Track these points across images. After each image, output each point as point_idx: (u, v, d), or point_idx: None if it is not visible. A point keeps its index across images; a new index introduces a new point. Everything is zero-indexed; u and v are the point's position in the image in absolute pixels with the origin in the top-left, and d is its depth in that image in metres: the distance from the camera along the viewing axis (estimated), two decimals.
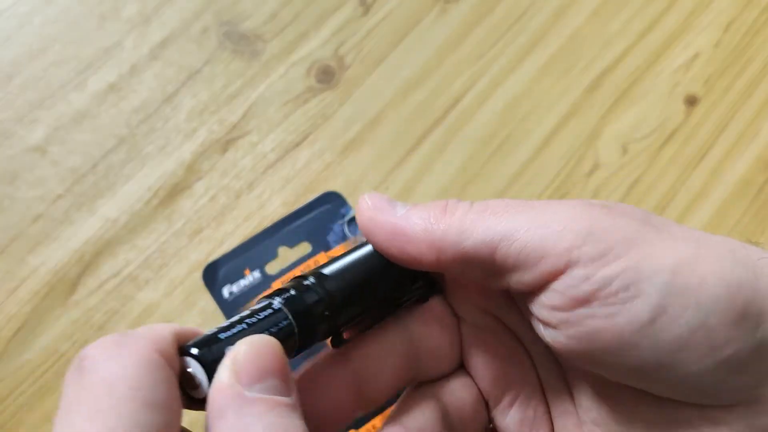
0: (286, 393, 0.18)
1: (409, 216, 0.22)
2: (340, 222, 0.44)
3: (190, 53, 0.49)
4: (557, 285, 0.20)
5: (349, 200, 0.46)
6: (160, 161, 0.47)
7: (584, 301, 0.19)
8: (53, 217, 0.45)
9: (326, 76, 0.49)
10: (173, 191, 0.46)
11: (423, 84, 0.50)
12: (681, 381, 0.19)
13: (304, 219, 0.44)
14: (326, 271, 0.22)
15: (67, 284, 0.44)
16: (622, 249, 0.19)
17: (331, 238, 0.44)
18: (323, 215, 0.44)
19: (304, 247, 0.44)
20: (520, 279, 0.20)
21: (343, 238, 0.44)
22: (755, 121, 0.50)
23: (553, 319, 0.20)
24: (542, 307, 0.20)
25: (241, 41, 0.50)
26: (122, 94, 0.48)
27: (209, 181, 0.46)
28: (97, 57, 0.49)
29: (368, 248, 0.23)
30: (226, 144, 0.47)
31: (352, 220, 0.44)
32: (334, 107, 0.49)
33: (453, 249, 0.21)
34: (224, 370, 0.18)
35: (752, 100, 0.50)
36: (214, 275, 0.43)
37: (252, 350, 0.18)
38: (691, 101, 0.50)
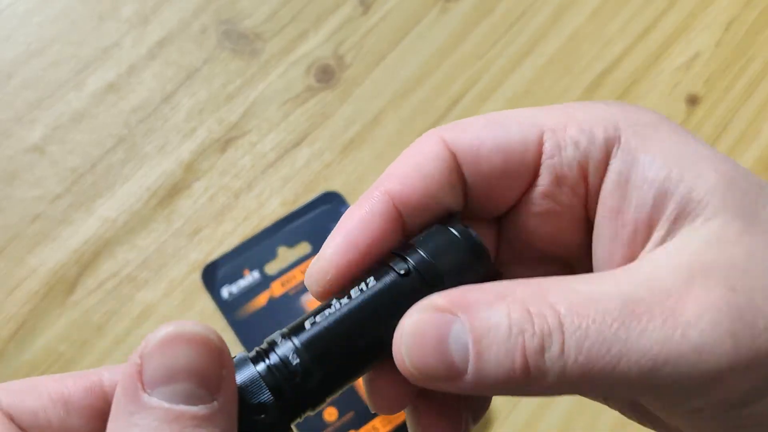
0: (205, 399, 0.15)
1: (486, 371, 0.17)
2: None
3: (189, 53, 0.49)
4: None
5: (349, 200, 0.46)
6: (159, 161, 0.47)
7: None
8: (52, 217, 0.45)
9: (326, 75, 0.49)
10: (172, 191, 0.46)
11: (423, 83, 0.49)
12: None
13: (304, 219, 0.44)
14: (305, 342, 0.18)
15: (66, 284, 0.44)
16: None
17: None
18: (323, 215, 0.44)
19: (304, 247, 0.44)
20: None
21: None
22: (756, 120, 0.50)
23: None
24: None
25: (240, 40, 0.50)
26: (121, 94, 0.48)
27: (208, 180, 0.46)
28: (95, 57, 0.49)
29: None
30: (225, 144, 0.47)
31: None
32: (334, 107, 0.49)
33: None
34: (131, 362, 0.15)
35: (753, 100, 0.50)
36: (213, 275, 0.43)
37: (163, 341, 0.15)
38: (692, 101, 0.50)
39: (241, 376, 0.17)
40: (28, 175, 0.46)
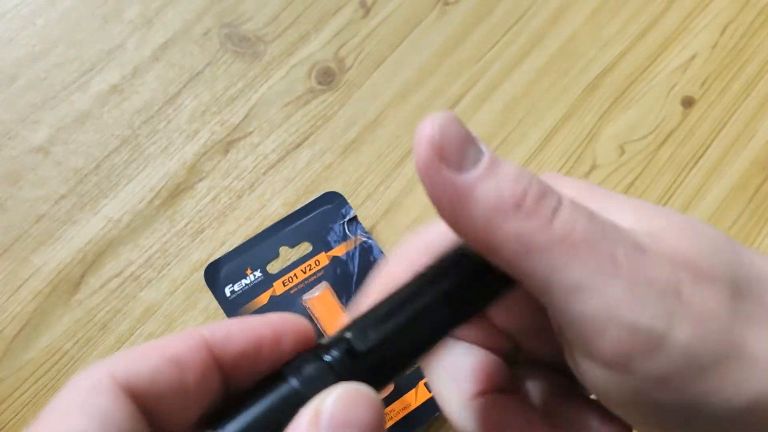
0: None
1: (483, 184, 0.17)
2: (340, 222, 0.45)
3: (191, 55, 0.50)
4: (603, 371, 0.18)
5: (350, 200, 0.46)
6: (163, 162, 0.47)
7: (628, 400, 0.18)
8: (56, 217, 0.45)
9: (327, 77, 0.50)
10: (175, 191, 0.46)
11: (422, 85, 0.50)
12: None
13: (305, 219, 0.45)
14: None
15: (69, 284, 0.44)
16: (689, 377, 0.17)
17: (331, 237, 0.44)
18: (324, 215, 0.45)
19: (305, 247, 0.44)
20: (570, 343, 0.18)
21: (344, 237, 0.44)
22: (752, 122, 0.50)
23: (587, 382, 0.18)
24: (581, 368, 0.18)
25: (242, 43, 0.50)
26: (124, 95, 0.48)
27: (211, 181, 0.47)
28: (99, 58, 0.49)
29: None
30: (227, 145, 0.48)
31: (353, 219, 0.45)
32: (335, 108, 0.49)
33: (514, 258, 0.17)
34: (306, 412, 0.16)
35: (749, 102, 0.51)
36: (215, 275, 0.43)
37: (343, 398, 0.16)
38: (688, 102, 0.50)
39: (310, 369, 0.18)
40: (32, 175, 0.46)
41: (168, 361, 0.17)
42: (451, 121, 0.17)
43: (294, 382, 0.17)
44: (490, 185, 0.17)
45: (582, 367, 0.18)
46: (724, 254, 0.18)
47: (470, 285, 0.19)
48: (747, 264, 0.19)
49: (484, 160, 0.17)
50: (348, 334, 0.18)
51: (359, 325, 0.19)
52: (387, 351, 0.18)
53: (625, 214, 0.19)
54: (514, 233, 0.17)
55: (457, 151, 0.17)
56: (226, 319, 0.18)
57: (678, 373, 0.17)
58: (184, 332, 0.18)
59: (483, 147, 0.18)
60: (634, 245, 0.17)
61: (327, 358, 0.18)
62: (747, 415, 0.17)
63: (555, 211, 0.17)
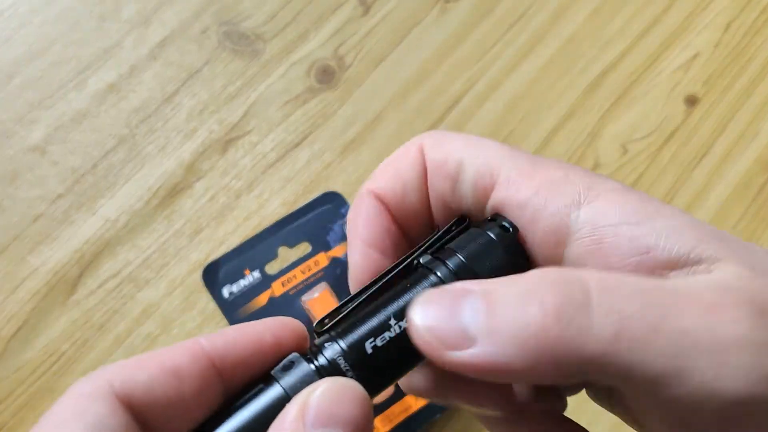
0: None
1: (497, 344, 0.16)
2: (340, 222, 0.44)
3: (189, 53, 0.49)
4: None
5: (349, 200, 0.46)
6: (160, 161, 0.47)
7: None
8: (53, 217, 0.45)
9: (326, 76, 0.50)
10: (173, 191, 0.46)
11: (423, 84, 0.50)
12: None
13: (304, 219, 0.44)
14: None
15: (67, 284, 0.44)
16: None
17: (330, 237, 0.44)
18: (323, 215, 0.44)
19: (304, 247, 0.44)
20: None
21: (343, 237, 0.44)
22: (755, 121, 0.50)
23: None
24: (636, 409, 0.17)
25: (240, 41, 0.50)
26: (122, 94, 0.48)
27: (209, 181, 0.46)
28: (96, 57, 0.49)
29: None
30: (225, 144, 0.47)
31: None
32: (334, 107, 0.49)
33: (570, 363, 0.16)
34: (294, 404, 0.17)
35: (752, 100, 0.50)
36: (214, 275, 0.43)
37: (329, 392, 0.17)
38: (691, 101, 0.50)
39: (298, 373, 0.18)
40: (29, 175, 0.46)
41: (166, 371, 0.17)
42: (432, 312, 0.17)
43: (281, 386, 0.18)
44: (509, 327, 0.16)
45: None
46: None
47: None
48: None
49: (480, 318, 0.16)
50: (337, 345, 0.18)
51: (349, 336, 0.19)
52: (374, 363, 0.18)
53: (683, 236, 0.18)
54: (565, 348, 0.15)
55: (453, 328, 0.16)
56: (226, 327, 0.19)
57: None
58: (184, 343, 0.18)
59: (478, 305, 0.16)
60: (704, 306, 0.16)
61: (314, 363, 0.18)
62: None
63: (586, 311, 0.15)
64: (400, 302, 0.19)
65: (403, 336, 0.18)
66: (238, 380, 0.18)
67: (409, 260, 0.21)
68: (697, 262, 0.17)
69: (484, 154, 0.20)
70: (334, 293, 0.42)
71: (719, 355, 0.15)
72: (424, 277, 0.19)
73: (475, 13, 0.52)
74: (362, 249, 0.21)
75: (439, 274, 0.19)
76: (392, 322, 0.19)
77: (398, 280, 0.20)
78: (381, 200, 0.22)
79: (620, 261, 0.18)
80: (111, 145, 0.47)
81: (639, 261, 0.17)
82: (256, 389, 0.18)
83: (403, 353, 0.19)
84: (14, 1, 0.50)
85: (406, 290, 0.19)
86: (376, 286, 0.20)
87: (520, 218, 0.19)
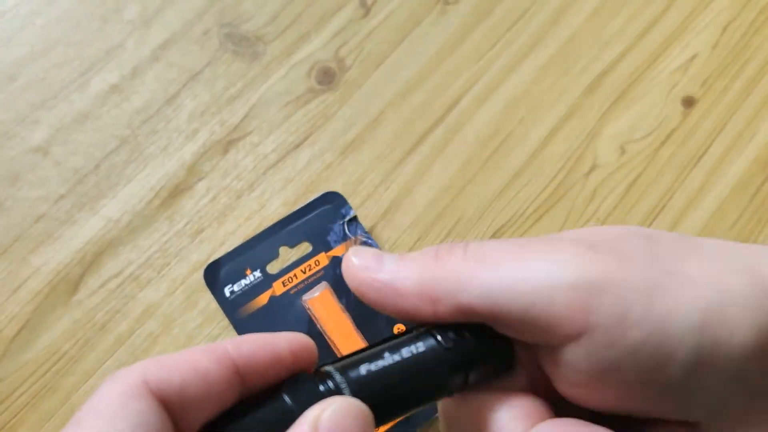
0: None
1: (399, 270, 0.20)
2: (340, 222, 0.45)
3: (191, 54, 0.50)
4: (575, 349, 0.18)
5: (350, 200, 0.46)
6: (162, 162, 0.47)
7: (608, 368, 0.18)
8: (55, 218, 0.45)
9: (327, 77, 0.50)
10: (175, 192, 0.46)
11: (423, 85, 0.50)
12: (702, 416, 0.19)
13: (305, 219, 0.44)
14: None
15: (69, 284, 0.44)
16: (643, 309, 0.18)
17: (331, 237, 0.44)
18: (323, 215, 0.45)
19: (305, 247, 0.44)
20: (531, 338, 0.19)
21: (344, 238, 0.44)
22: (753, 121, 0.50)
23: (574, 378, 0.19)
24: (560, 364, 0.19)
25: (242, 43, 0.50)
26: (124, 95, 0.48)
27: (210, 181, 0.47)
28: (98, 58, 0.49)
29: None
30: (227, 145, 0.48)
31: (353, 219, 0.45)
32: (335, 108, 0.49)
33: (449, 302, 0.20)
34: (305, 425, 0.17)
35: (750, 101, 0.51)
36: (215, 275, 0.43)
37: (337, 413, 0.17)
38: (689, 102, 0.50)
39: (305, 393, 0.19)
40: (31, 175, 0.46)
41: (198, 373, 0.18)
42: (362, 249, 0.22)
43: (288, 401, 0.18)
44: (407, 263, 0.21)
45: (554, 363, 0.19)
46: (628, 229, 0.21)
47: (474, 350, 0.21)
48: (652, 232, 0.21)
49: (394, 257, 0.21)
50: (346, 376, 0.19)
51: (359, 376, 0.19)
52: (373, 390, 0.19)
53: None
54: (443, 275, 0.20)
55: (374, 260, 0.21)
56: (248, 335, 0.20)
57: (629, 309, 0.18)
58: (211, 346, 0.19)
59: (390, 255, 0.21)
60: (546, 239, 0.20)
61: (322, 387, 0.19)
62: (701, 334, 0.18)
63: (465, 246, 0.20)
64: (397, 342, 0.20)
65: (399, 366, 0.20)
66: (254, 388, 0.19)
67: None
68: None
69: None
70: (334, 293, 0.43)
71: (555, 253, 0.20)
72: (422, 336, 0.21)
73: (474, 14, 0.52)
74: None
75: (439, 338, 0.20)
76: (386, 354, 0.20)
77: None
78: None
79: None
80: (113, 146, 0.47)
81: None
82: (265, 401, 0.19)
83: (401, 384, 0.20)
84: (16, 2, 0.50)
85: (404, 338, 0.21)
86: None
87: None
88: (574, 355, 0.19)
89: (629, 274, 0.18)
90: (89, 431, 0.16)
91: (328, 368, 0.19)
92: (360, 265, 0.21)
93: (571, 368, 0.19)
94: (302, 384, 0.19)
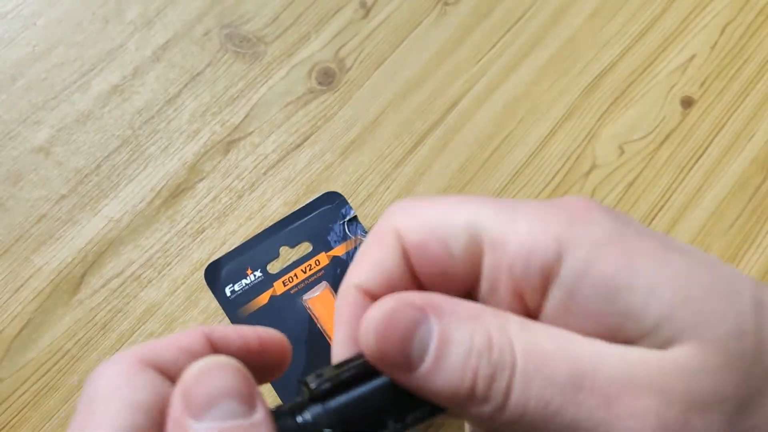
0: (246, 413, 0.17)
1: (433, 380, 0.18)
2: (340, 222, 0.45)
3: (192, 55, 0.50)
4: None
5: (350, 200, 0.46)
6: (163, 162, 0.47)
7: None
8: (57, 217, 0.46)
9: (327, 77, 0.50)
10: (176, 192, 0.46)
11: (422, 85, 0.50)
12: None
13: (305, 219, 0.45)
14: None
15: (70, 283, 0.44)
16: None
17: (331, 237, 0.44)
18: (324, 215, 0.45)
19: (305, 247, 0.44)
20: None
21: (344, 237, 0.44)
22: (751, 122, 0.50)
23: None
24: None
25: (242, 43, 0.51)
26: (125, 96, 0.49)
27: (211, 181, 0.47)
28: (100, 59, 0.49)
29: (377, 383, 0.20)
30: (228, 145, 0.48)
31: (353, 219, 0.45)
32: (335, 109, 0.49)
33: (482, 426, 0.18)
34: (176, 399, 0.17)
35: (748, 102, 0.51)
36: (216, 274, 0.43)
37: (200, 373, 0.17)
38: (688, 103, 0.51)
39: (280, 425, 0.18)
40: (33, 175, 0.46)
41: (184, 352, 0.19)
42: (387, 324, 0.18)
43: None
44: (439, 381, 0.18)
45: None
46: (739, 356, 0.17)
47: None
48: None
49: (429, 358, 0.18)
50: (323, 409, 0.19)
51: (335, 407, 0.19)
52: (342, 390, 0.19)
53: (656, 304, 0.18)
54: (474, 414, 0.18)
55: (400, 355, 0.18)
56: (223, 325, 0.21)
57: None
58: (191, 330, 0.19)
59: (430, 338, 0.18)
60: (604, 398, 0.17)
61: (299, 419, 0.19)
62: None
63: (507, 392, 0.17)
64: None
65: (369, 395, 0.19)
66: None
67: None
68: (660, 336, 0.18)
69: (465, 218, 0.20)
70: (334, 292, 0.43)
71: None
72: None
73: (474, 15, 0.52)
74: (348, 346, 0.21)
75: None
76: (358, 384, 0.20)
77: None
78: (366, 294, 0.21)
79: (592, 328, 0.18)
80: (114, 146, 0.47)
81: (609, 334, 0.18)
82: None
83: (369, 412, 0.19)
84: (18, 3, 0.51)
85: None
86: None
87: (510, 277, 0.19)
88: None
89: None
90: (106, 413, 0.17)
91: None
92: (383, 352, 0.18)
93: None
94: (281, 419, 0.19)
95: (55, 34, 0.50)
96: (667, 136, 0.50)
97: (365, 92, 0.50)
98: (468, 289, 0.20)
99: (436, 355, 0.18)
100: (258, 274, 0.43)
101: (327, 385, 0.19)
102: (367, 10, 0.52)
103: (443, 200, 0.21)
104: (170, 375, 0.18)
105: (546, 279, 0.19)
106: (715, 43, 0.52)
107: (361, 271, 0.21)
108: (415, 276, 0.21)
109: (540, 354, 0.18)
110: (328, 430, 0.19)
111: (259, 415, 0.17)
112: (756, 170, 0.49)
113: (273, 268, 0.44)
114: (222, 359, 0.17)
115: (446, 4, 0.52)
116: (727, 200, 0.48)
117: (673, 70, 0.51)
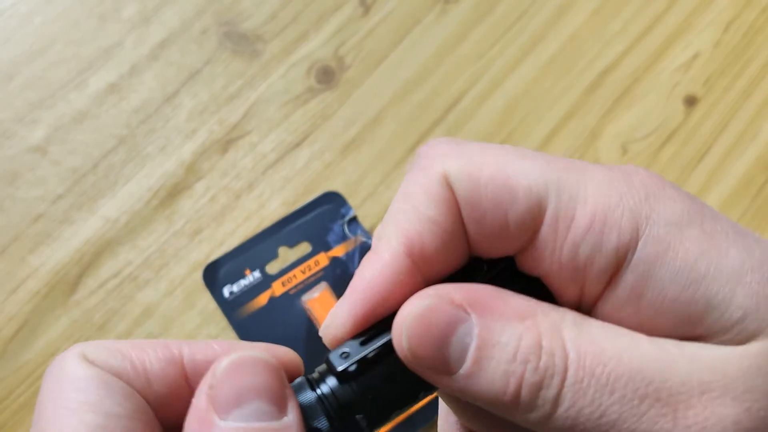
0: (276, 415, 0.16)
1: (474, 384, 0.17)
2: (340, 222, 0.44)
3: (190, 53, 0.49)
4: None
5: (350, 200, 0.46)
6: (161, 161, 0.47)
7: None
8: (54, 217, 0.45)
9: (326, 76, 0.50)
10: (173, 191, 0.46)
11: (423, 84, 0.50)
12: None
13: (304, 219, 0.44)
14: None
15: (67, 284, 0.44)
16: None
17: (331, 237, 0.44)
18: (323, 215, 0.45)
19: (304, 247, 0.44)
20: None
21: (343, 237, 0.44)
22: (755, 121, 0.50)
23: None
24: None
25: (241, 41, 0.50)
26: (122, 95, 0.48)
27: (209, 181, 0.47)
28: (97, 57, 0.49)
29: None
30: (226, 144, 0.47)
31: (353, 219, 0.45)
32: (334, 107, 0.49)
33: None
34: (201, 393, 0.16)
35: (752, 100, 0.50)
36: (214, 275, 0.43)
37: (230, 368, 0.16)
38: (691, 101, 0.50)
39: (301, 399, 0.18)
40: (29, 175, 0.46)
41: (136, 369, 0.18)
42: (423, 323, 0.17)
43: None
44: (479, 386, 0.16)
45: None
46: None
47: None
48: None
49: (468, 361, 0.16)
50: (346, 388, 0.18)
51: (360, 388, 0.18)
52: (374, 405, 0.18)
53: (738, 298, 0.16)
54: (519, 421, 0.17)
55: (436, 358, 0.17)
56: (212, 341, 0.19)
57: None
58: (168, 343, 0.18)
59: (469, 339, 0.17)
60: (660, 409, 0.16)
61: (318, 391, 0.18)
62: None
63: (556, 401, 0.16)
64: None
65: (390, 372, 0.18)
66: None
67: None
68: (744, 330, 0.16)
69: (527, 180, 0.17)
70: (334, 293, 0.42)
71: None
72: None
73: (475, 13, 0.52)
74: (368, 309, 0.18)
75: None
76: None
77: None
78: (410, 253, 0.18)
79: (666, 320, 0.17)
80: (111, 146, 0.47)
81: (686, 327, 0.17)
82: None
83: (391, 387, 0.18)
84: (14, 1, 0.50)
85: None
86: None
87: (575, 257, 0.17)
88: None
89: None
90: (64, 420, 0.16)
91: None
92: (419, 355, 0.17)
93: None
94: (300, 389, 0.18)
95: (52, 32, 0.50)
96: (670, 136, 0.49)
97: (365, 91, 0.49)
98: (521, 247, 0.18)
99: (475, 359, 0.16)
100: (257, 274, 0.43)
101: (354, 367, 0.18)
102: (366, 8, 0.51)
103: (499, 150, 0.18)
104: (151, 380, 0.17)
105: (620, 261, 0.16)
106: (719, 41, 0.52)
107: (411, 224, 0.18)
108: (466, 234, 0.18)
109: (597, 358, 0.16)
110: (359, 415, 0.18)
111: (290, 418, 0.16)
112: (760, 169, 0.48)
113: (272, 268, 0.43)
114: (254, 354, 0.16)
115: (447, 1, 0.52)
116: (731, 200, 0.48)
117: (677, 68, 0.51)
